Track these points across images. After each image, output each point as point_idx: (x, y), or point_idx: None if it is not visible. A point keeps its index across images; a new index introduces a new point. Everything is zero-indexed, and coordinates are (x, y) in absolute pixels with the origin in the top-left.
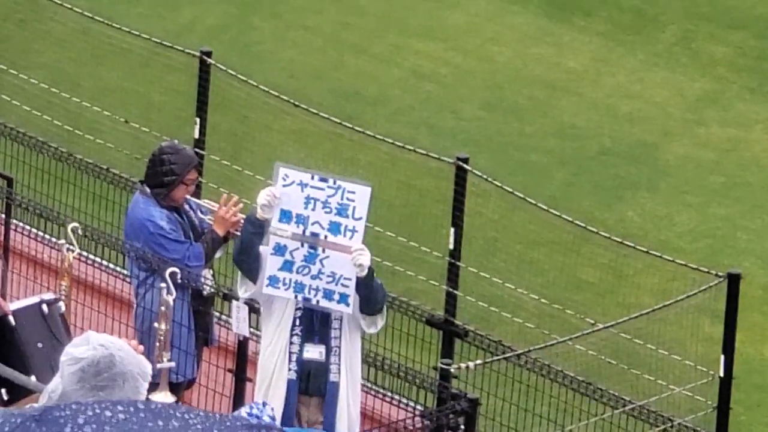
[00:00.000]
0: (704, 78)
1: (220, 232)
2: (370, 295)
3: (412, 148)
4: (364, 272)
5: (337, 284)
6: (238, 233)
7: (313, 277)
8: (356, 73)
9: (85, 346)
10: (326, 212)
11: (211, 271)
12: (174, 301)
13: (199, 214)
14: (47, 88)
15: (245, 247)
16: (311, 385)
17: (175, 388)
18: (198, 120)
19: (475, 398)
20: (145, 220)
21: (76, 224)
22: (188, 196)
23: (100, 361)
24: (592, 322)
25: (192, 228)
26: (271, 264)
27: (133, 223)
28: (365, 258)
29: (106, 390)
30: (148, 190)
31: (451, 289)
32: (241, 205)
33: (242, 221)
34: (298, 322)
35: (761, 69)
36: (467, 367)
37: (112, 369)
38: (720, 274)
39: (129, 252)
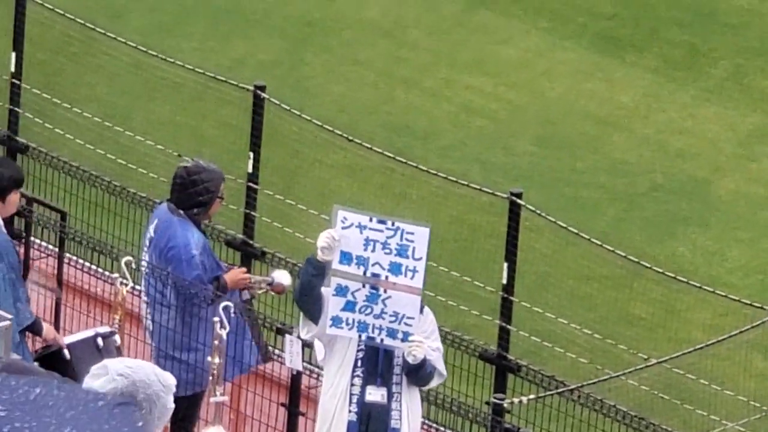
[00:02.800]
0: (756, 113)
1: (228, 285)
2: (416, 378)
3: (464, 182)
4: (417, 362)
5: (400, 323)
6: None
7: (376, 317)
8: (407, 108)
9: (104, 378)
10: (386, 253)
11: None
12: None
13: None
14: (100, 122)
15: (306, 289)
16: (371, 428)
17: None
18: (252, 154)
19: None
20: (181, 246)
21: (129, 258)
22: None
23: (123, 392)
24: (645, 357)
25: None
26: (333, 305)
27: (168, 244)
28: (420, 352)
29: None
30: (181, 211)
31: (504, 324)
32: (247, 277)
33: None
34: (359, 363)
35: None
36: (520, 402)
37: (137, 396)
38: None
39: (154, 271)
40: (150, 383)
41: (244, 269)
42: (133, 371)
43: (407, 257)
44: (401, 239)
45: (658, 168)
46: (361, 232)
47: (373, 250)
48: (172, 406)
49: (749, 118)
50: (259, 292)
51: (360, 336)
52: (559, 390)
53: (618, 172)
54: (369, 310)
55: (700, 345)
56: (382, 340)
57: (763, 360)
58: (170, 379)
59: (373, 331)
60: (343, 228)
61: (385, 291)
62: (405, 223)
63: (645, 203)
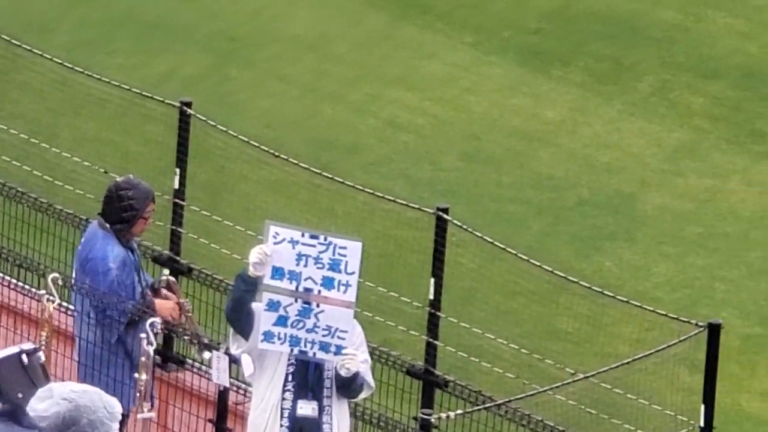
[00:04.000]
0: (681, 128)
1: (157, 311)
2: (347, 391)
3: (390, 197)
4: (349, 375)
5: (333, 337)
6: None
7: (309, 331)
8: (332, 123)
9: (49, 401)
10: (318, 268)
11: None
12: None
13: (145, 274)
14: (25, 139)
15: (237, 305)
16: None
17: None
18: (178, 170)
19: None
20: (99, 259)
21: (56, 275)
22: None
23: (66, 416)
24: (571, 371)
25: (138, 268)
26: (265, 320)
27: (87, 256)
28: (353, 365)
29: None
30: (107, 225)
31: (430, 339)
32: (177, 314)
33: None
34: (290, 378)
35: (738, 119)
36: (447, 417)
37: (80, 421)
38: (700, 323)
39: (80, 287)
40: (95, 409)
41: (175, 306)
42: (78, 396)
43: (340, 271)
44: (334, 254)
45: (585, 182)
46: (294, 247)
47: (306, 265)
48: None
49: (675, 133)
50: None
51: (292, 350)
52: (486, 405)
53: (544, 187)
54: (301, 325)
55: (627, 359)
56: (314, 354)
57: (689, 374)
58: (116, 407)
59: (305, 345)
60: (275, 243)
61: (317, 305)
62: (337, 238)
63: (571, 218)
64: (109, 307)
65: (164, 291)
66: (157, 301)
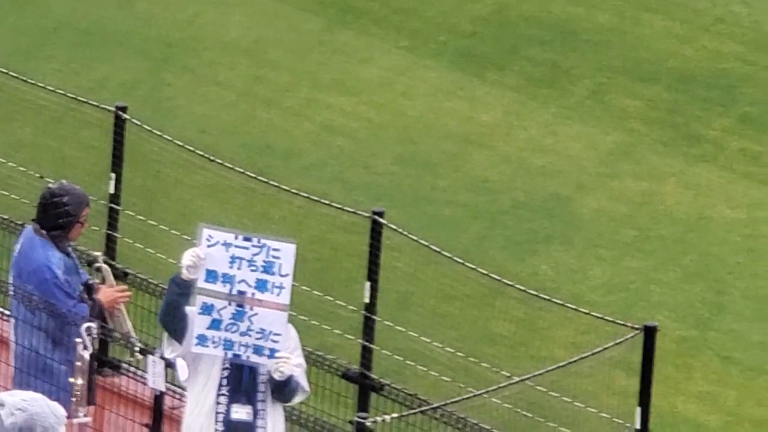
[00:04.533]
0: (617, 131)
1: (104, 305)
2: (281, 395)
3: (326, 202)
4: (283, 379)
5: (266, 340)
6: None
7: (242, 334)
8: (268, 127)
9: (2, 411)
10: (252, 270)
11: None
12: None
13: (81, 271)
14: None
15: (171, 308)
16: None
17: None
18: (113, 175)
19: None
20: (44, 266)
21: None
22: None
23: (22, 426)
24: (507, 375)
25: (76, 271)
26: (199, 323)
27: (28, 264)
28: (287, 368)
29: None
30: (44, 231)
31: (366, 343)
32: (128, 297)
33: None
34: (225, 382)
35: (673, 122)
36: (383, 421)
37: (35, 429)
38: (636, 326)
39: (17, 293)
40: (45, 415)
41: (123, 287)
42: (29, 404)
43: (273, 274)
44: (267, 256)
45: (520, 186)
46: (227, 250)
47: (239, 268)
48: None
49: (610, 136)
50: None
51: (226, 354)
52: (422, 408)
53: (479, 190)
54: (235, 328)
55: (563, 363)
56: (248, 357)
57: (625, 377)
58: (61, 410)
59: (239, 349)
60: (208, 246)
61: (251, 308)
62: (271, 240)
63: (507, 221)
64: (62, 312)
65: (99, 285)
66: (100, 293)
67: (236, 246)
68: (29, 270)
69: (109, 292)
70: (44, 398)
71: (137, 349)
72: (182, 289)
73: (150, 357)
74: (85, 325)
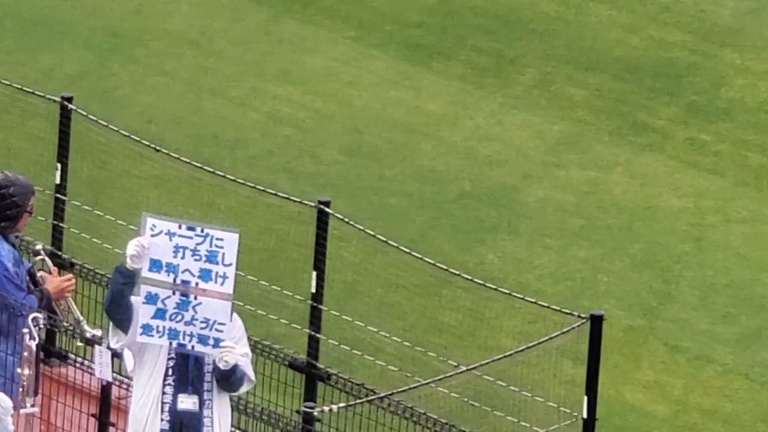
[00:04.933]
0: (563, 120)
1: (52, 294)
2: (227, 384)
3: (272, 191)
4: (228, 368)
5: (211, 329)
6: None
7: (187, 323)
8: (214, 118)
9: None
10: (196, 260)
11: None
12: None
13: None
14: None
15: (116, 298)
16: None
17: None
18: (59, 165)
19: None
20: None
21: None
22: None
23: None
24: (455, 364)
25: (21, 261)
26: (143, 313)
27: None
28: (231, 357)
29: None
30: None
31: (313, 333)
32: (72, 283)
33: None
34: (170, 372)
35: (619, 111)
36: (330, 411)
37: None
38: (582, 315)
39: None
40: None
41: (68, 276)
42: None
43: (217, 263)
44: (210, 245)
45: (467, 175)
46: (171, 239)
47: (183, 257)
48: (12, 428)
49: (557, 126)
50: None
51: (171, 343)
52: (369, 398)
53: (426, 180)
54: (180, 317)
55: (510, 352)
56: (193, 347)
57: (572, 366)
58: (7, 401)
59: (184, 338)
60: (152, 235)
61: (195, 297)
62: (214, 230)
63: (453, 211)
64: (12, 304)
65: (42, 273)
66: (47, 283)
67: (180, 235)
68: None
69: (56, 281)
70: None
71: (88, 335)
72: (126, 279)
73: (97, 347)
74: (32, 315)
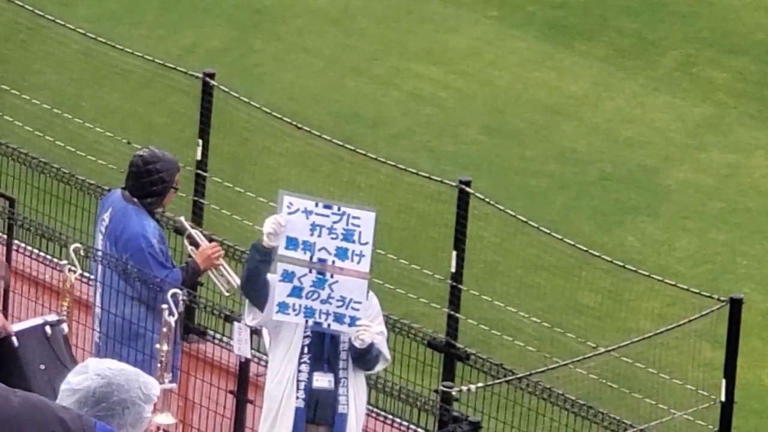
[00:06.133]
0: (704, 103)
1: (201, 266)
2: (362, 363)
3: (413, 170)
4: (364, 347)
5: (347, 308)
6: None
7: (323, 302)
8: (356, 96)
9: (83, 375)
10: (332, 238)
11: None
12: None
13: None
14: (49, 109)
15: (252, 276)
16: (319, 414)
17: None
18: (200, 142)
19: (476, 421)
20: (139, 235)
21: (78, 245)
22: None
23: (96, 391)
24: (593, 345)
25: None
26: (279, 291)
27: (124, 232)
28: (367, 336)
29: (106, 419)
30: (135, 199)
31: (452, 312)
32: (222, 251)
33: (222, 263)
34: (306, 350)
35: (761, 95)
36: (468, 390)
37: (110, 398)
38: (722, 298)
39: (108, 261)
40: (128, 388)
41: (214, 244)
42: (113, 374)
43: (353, 242)
44: (347, 224)
45: (607, 157)
46: (307, 218)
47: (320, 235)
48: (149, 415)
49: (698, 108)
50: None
51: (307, 321)
52: (508, 378)
53: (567, 161)
54: (316, 296)
55: (649, 334)
56: (329, 325)
57: (710, 349)
58: (153, 389)
59: (320, 317)
60: (288, 213)
61: (331, 276)
62: (351, 208)
63: (594, 192)
64: (156, 282)
65: (186, 244)
66: (197, 255)
67: (317, 213)
68: (125, 238)
69: (203, 252)
70: (138, 372)
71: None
72: (263, 257)
73: (236, 324)
74: (171, 291)
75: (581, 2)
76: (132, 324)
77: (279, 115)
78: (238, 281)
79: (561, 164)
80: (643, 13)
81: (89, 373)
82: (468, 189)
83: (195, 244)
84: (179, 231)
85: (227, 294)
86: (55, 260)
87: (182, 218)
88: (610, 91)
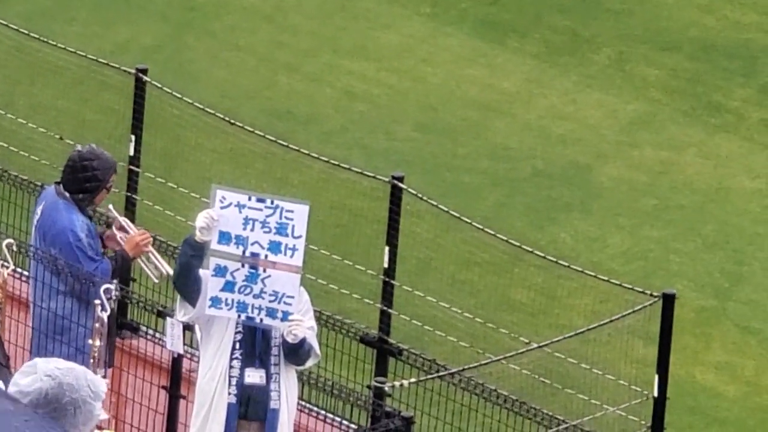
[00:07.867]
0: (637, 100)
1: (130, 254)
2: (295, 358)
3: (346, 167)
4: (296, 342)
5: (279, 302)
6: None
7: (256, 296)
8: (288, 93)
9: (32, 377)
10: (265, 232)
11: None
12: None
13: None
14: None
15: (184, 270)
16: (251, 409)
17: None
18: (133, 138)
19: (409, 417)
20: (67, 229)
21: (10, 240)
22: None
23: (48, 393)
24: (526, 342)
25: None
26: (212, 285)
27: (53, 227)
28: (300, 331)
29: (58, 420)
30: (67, 194)
31: (385, 308)
32: (151, 239)
33: (151, 250)
34: (238, 346)
35: (694, 91)
36: (401, 386)
37: (62, 399)
38: (655, 294)
39: (39, 256)
40: (78, 387)
41: (142, 231)
42: (62, 373)
43: (287, 235)
44: (280, 217)
45: (540, 154)
46: (240, 212)
47: (252, 229)
48: (99, 413)
49: (631, 105)
50: (149, 266)
51: (239, 316)
52: (440, 374)
53: (500, 158)
54: (248, 290)
55: (581, 330)
56: (261, 320)
57: (643, 345)
58: (101, 387)
59: (252, 311)
60: (221, 207)
61: (264, 270)
62: (284, 201)
63: (527, 189)
64: (85, 276)
65: (116, 232)
66: (125, 243)
67: (249, 207)
68: (53, 233)
69: (132, 240)
70: (85, 371)
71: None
72: (195, 251)
73: (168, 319)
74: (104, 286)
75: None
76: (62, 318)
77: (212, 111)
78: (168, 268)
79: (494, 161)
80: (576, 10)
81: (39, 374)
82: (401, 185)
83: (123, 230)
84: (108, 224)
85: (157, 281)
86: None
87: (110, 206)
88: (542, 88)
